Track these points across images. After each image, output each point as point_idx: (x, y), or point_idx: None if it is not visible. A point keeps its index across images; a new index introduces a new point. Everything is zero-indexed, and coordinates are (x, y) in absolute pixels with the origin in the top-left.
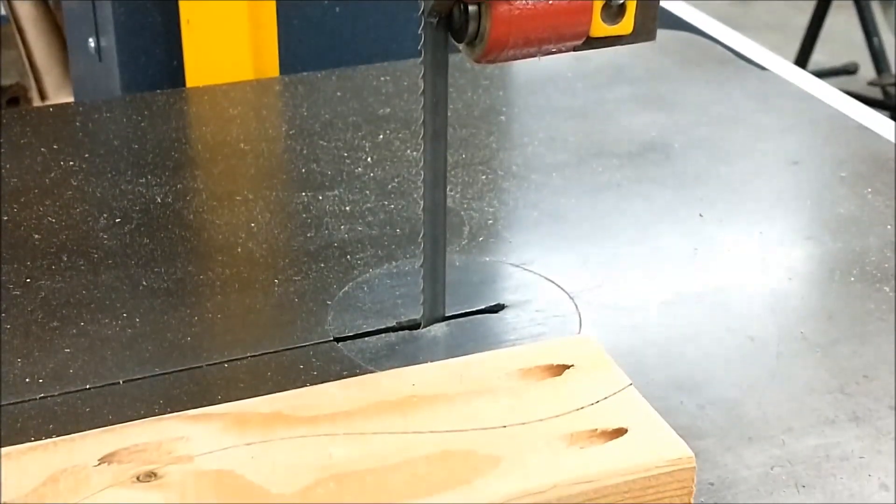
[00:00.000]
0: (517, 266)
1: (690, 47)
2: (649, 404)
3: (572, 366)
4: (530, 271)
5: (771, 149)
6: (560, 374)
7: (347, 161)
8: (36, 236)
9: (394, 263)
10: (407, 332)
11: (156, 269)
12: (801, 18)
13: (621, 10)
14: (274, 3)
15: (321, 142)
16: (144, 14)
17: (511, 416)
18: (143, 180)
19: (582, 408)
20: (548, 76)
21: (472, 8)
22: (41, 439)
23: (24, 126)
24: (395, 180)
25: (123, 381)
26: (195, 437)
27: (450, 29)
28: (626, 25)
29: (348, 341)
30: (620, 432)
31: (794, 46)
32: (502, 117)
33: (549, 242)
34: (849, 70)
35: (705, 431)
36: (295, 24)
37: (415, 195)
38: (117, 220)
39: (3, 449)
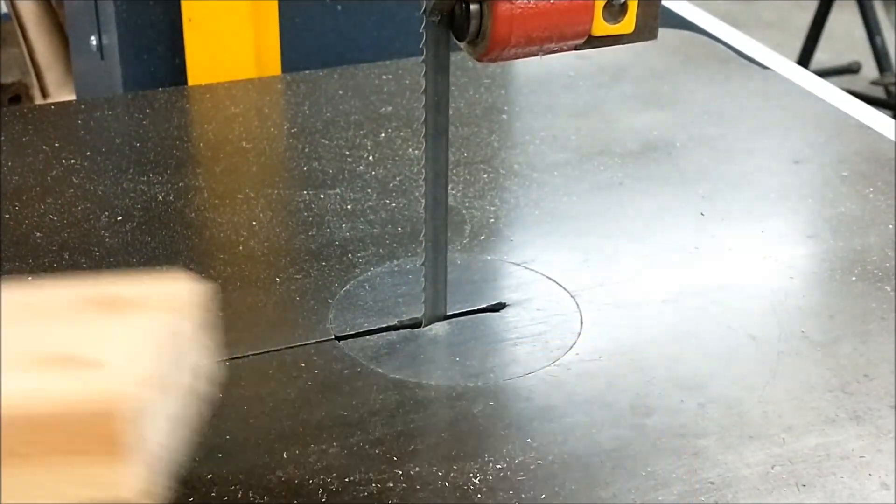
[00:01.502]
0: (518, 265)
1: (692, 46)
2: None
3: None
4: (532, 270)
5: (772, 147)
6: (120, 311)
7: (349, 159)
8: (37, 234)
9: (395, 262)
10: (408, 330)
11: (157, 268)
12: (803, 17)
13: (623, 8)
14: (276, 1)
15: (323, 140)
16: (146, 12)
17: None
18: (145, 178)
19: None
20: (549, 75)
21: (473, 6)
22: None
23: (25, 124)
24: (397, 179)
25: None
26: None
27: (451, 27)
28: (627, 24)
29: (349, 340)
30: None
31: (797, 45)
32: (504, 116)
33: (551, 241)
34: (851, 69)
35: (706, 430)
36: (297, 23)
37: (416, 193)
38: (119, 219)
39: None
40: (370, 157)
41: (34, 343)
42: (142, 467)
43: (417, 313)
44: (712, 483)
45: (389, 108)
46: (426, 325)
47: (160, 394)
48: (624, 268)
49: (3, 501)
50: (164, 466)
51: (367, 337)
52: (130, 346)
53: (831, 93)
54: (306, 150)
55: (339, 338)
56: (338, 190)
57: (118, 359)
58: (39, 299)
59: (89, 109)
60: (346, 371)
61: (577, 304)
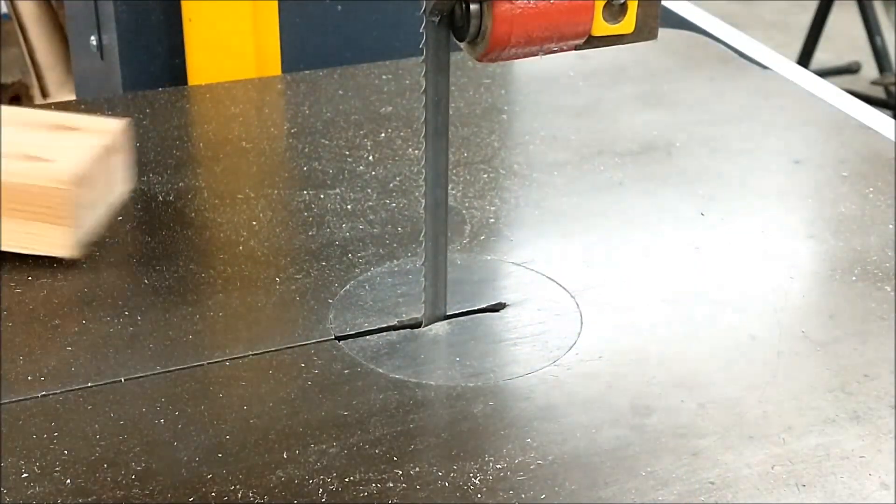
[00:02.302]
0: (518, 265)
1: (692, 46)
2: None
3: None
4: (531, 270)
5: (773, 147)
6: (66, 132)
7: (349, 159)
8: None
9: (395, 262)
10: (408, 330)
11: (157, 268)
12: (803, 17)
13: (623, 8)
14: (276, 1)
15: (323, 140)
16: (146, 12)
17: None
18: (145, 178)
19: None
20: (550, 75)
21: (473, 6)
22: (43, 438)
23: None
24: (397, 179)
25: (125, 379)
26: None
27: (451, 27)
28: (627, 24)
29: (349, 340)
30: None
31: (797, 45)
32: (504, 116)
33: (551, 241)
34: (851, 69)
35: (706, 430)
36: (297, 23)
37: (416, 193)
38: (119, 218)
39: None
40: (370, 157)
41: (5, 145)
42: (74, 232)
43: (417, 313)
44: (712, 483)
45: (389, 108)
46: (426, 325)
47: (93, 183)
48: (624, 268)
49: None
50: (88, 234)
51: (367, 337)
52: (74, 151)
53: (831, 93)
54: (306, 150)
55: (339, 338)
56: (338, 190)
57: (64, 158)
58: (7, 117)
59: (89, 109)
60: (346, 371)
61: (577, 304)
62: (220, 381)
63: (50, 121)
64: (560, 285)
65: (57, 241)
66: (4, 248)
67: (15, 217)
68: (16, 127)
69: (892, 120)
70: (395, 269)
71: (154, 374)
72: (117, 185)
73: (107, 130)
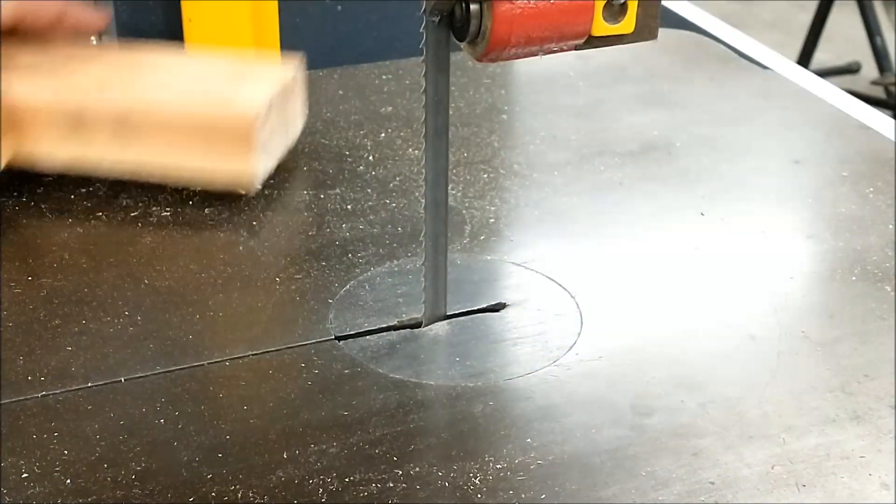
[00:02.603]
0: (518, 265)
1: (692, 46)
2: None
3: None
4: (532, 270)
5: (772, 147)
6: (246, 76)
7: (349, 159)
8: (37, 234)
9: (395, 262)
10: (408, 330)
11: (157, 267)
12: (803, 17)
13: (623, 9)
14: (276, 1)
15: (322, 140)
16: (146, 12)
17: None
18: None
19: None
20: (550, 75)
21: (473, 6)
22: (43, 438)
23: None
24: (397, 179)
25: (125, 379)
26: None
27: (451, 27)
28: (627, 24)
29: (349, 340)
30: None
31: (797, 45)
32: (504, 116)
33: (551, 241)
34: (851, 69)
35: (706, 430)
36: (297, 23)
37: (416, 193)
38: (119, 219)
39: None
40: (370, 157)
41: (194, 86)
42: (254, 165)
43: (417, 313)
44: (712, 483)
45: (389, 108)
46: (426, 325)
47: (272, 121)
48: (624, 268)
49: (171, 178)
50: (266, 169)
51: (367, 337)
52: (253, 92)
53: (831, 93)
54: (306, 150)
55: (339, 338)
56: (338, 190)
57: (244, 97)
58: (195, 64)
59: None
60: (346, 371)
61: (577, 304)
62: (220, 381)
63: (225, 67)
64: (560, 285)
65: (236, 176)
66: (184, 185)
67: (195, 153)
68: (194, 72)
69: (892, 120)
70: (395, 269)
71: (154, 374)
72: (293, 127)
73: (282, 74)
